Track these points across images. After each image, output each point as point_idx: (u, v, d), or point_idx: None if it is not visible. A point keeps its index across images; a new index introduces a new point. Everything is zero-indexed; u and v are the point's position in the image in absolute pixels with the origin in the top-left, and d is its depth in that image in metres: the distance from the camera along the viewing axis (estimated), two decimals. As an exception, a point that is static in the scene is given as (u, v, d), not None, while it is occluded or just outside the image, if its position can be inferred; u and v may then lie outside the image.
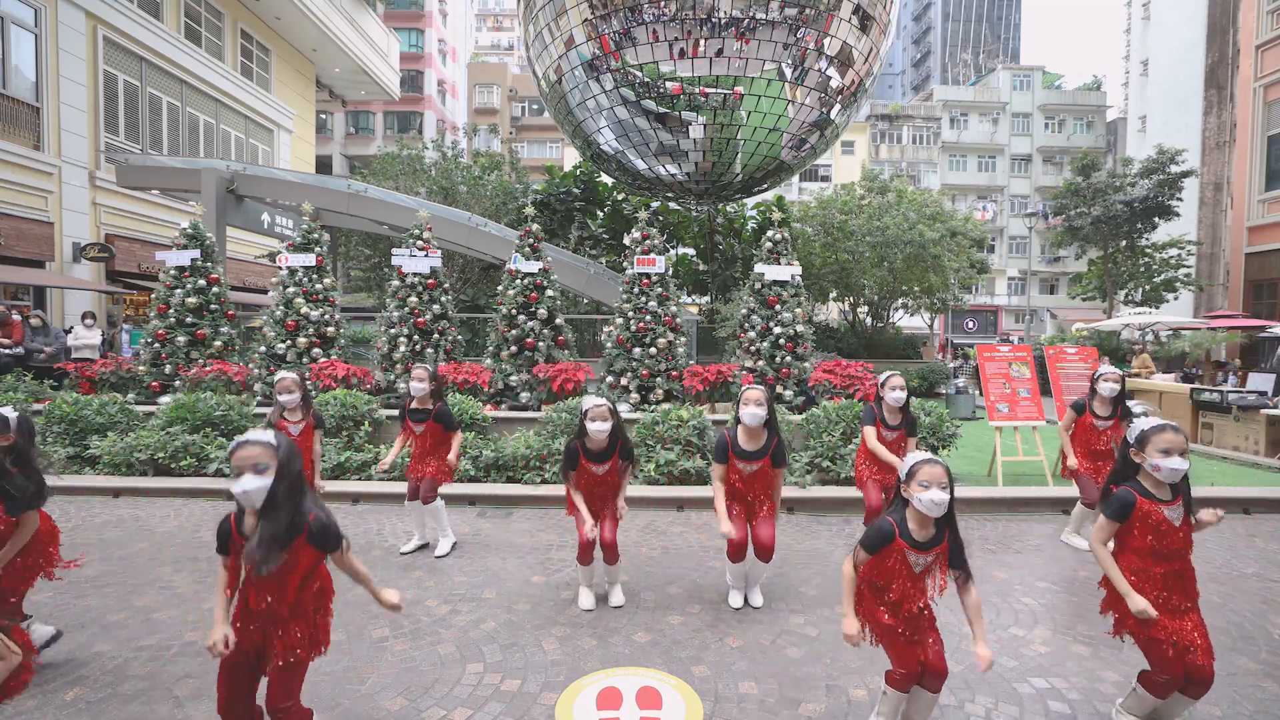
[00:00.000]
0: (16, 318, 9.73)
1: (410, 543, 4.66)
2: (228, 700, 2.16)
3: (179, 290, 8.39)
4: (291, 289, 8.25)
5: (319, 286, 8.38)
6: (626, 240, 8.52)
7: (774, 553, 3.60)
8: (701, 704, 2.74)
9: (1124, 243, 22.15)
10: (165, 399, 7.74)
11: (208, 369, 7.85)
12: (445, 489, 5.12)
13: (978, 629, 2.24)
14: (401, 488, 5.87)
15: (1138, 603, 2.34)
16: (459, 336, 8.78)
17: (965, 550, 2.30)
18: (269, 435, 2.12)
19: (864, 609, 2.41)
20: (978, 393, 10.74)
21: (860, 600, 2.42)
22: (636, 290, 8.17)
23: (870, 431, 4.25)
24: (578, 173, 16.64)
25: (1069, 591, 4.01)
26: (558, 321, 8.40)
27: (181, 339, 8.20)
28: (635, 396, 7.90)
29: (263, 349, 8.08)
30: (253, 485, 2.02)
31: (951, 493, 2.21)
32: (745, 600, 3.78)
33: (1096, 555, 2.49)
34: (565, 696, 2.79)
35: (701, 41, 9.82)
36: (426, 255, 8.48)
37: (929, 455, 2.27)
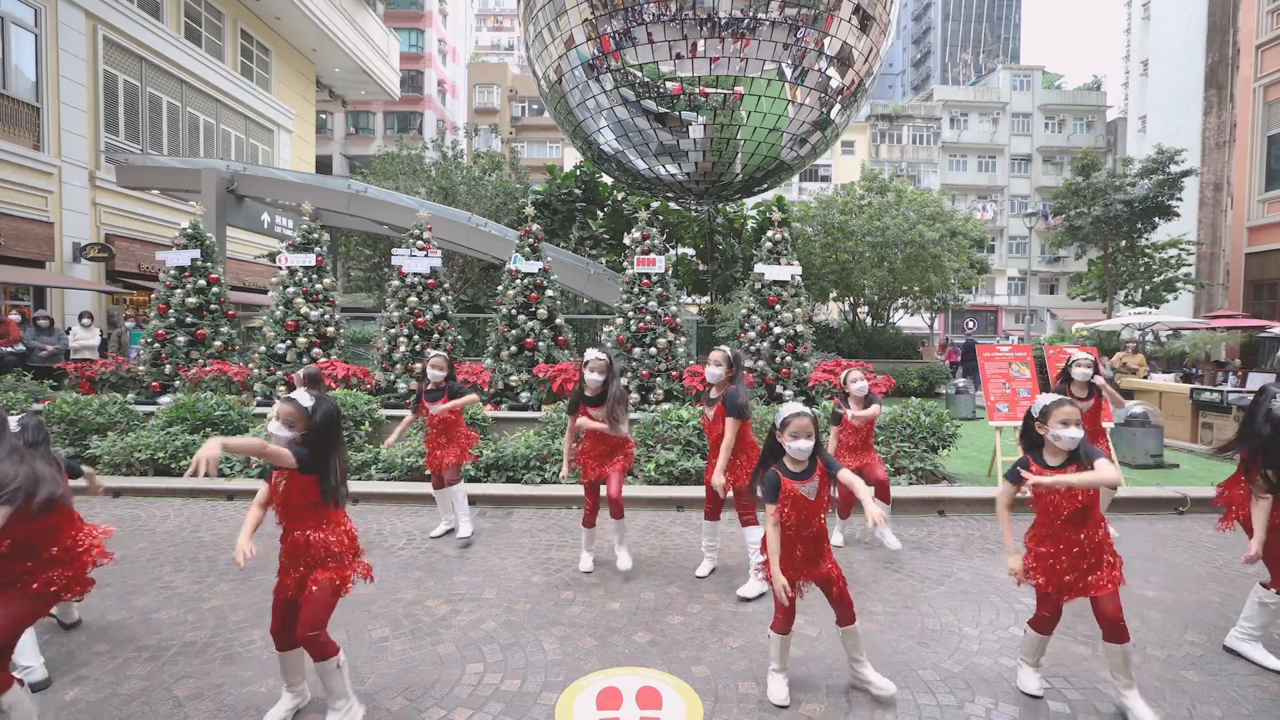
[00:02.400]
0: (14, 317, 9.73)
1: (439, 527, 4.96)
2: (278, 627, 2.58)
3: (179, 290, 8.40)
4: (291, 289, 8.25)
5: (319, 286, 8.39)
6: (626, 240, 8.52)
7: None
8: (701, 704, 2.74)
9: (1124, 243, 22.13)
10: (165, 399, 7.75)
11: (208, 369, 7.86)
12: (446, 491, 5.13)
13: (863, 499, 2.62)
14: (401, 488, 5.89)
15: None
16: (459, 336, 8.78)
17: (832, 463, 2.78)
18: (309, 401, 2.53)
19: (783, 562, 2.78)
20: (978, 392, 10.75)
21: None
22: (636, 290, 8.17)
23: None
24: (578, 173, 16.64)
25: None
26: (558, 321, 8.40)
27: (181, 339, 8.21)
28: (635, 396, 7.90)
29: (263, 349, 8.09)
30: (281, 434, 2.46)
31: (816, 439, 2.75)
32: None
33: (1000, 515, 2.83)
34: (565, 696, 2.79)
35: (701, 43, 9.82)
36: (426, 255, 8.48)
37: (801, 408, 2.75)
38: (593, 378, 4.05)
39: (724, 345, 4.21)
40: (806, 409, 2.76)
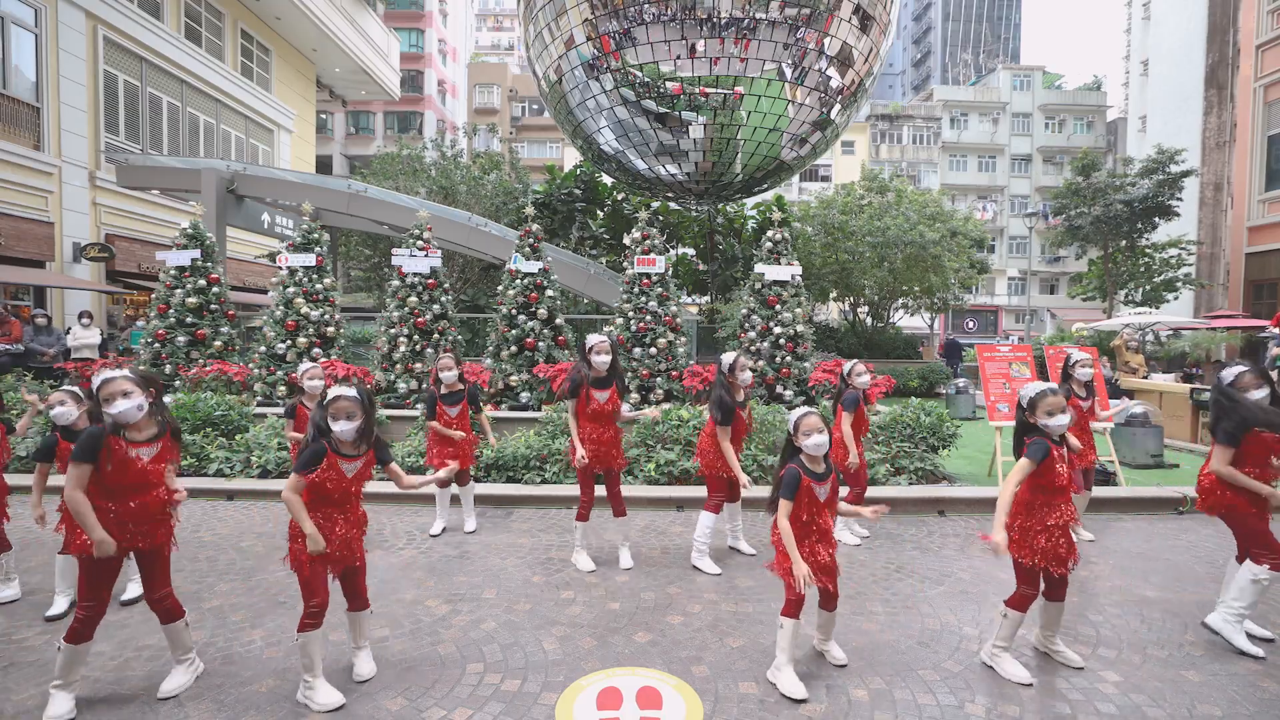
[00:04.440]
0: (14, 317, 9.72)
1: (437, 525, 5.03)
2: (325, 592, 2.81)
3: (179, 290, 8.39)
4: (291, 289, 8.25)
5: (319, 286, 8.39)
6: (626, 240, 8.52)
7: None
8: (701, 704, 2.74)
9: (1124, 243, 22.13)
10: (165, 399, 7.74)
11: (208, 369, 7.85)
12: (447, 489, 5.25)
13: (852, 510, 2.99)
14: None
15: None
16: (459, 336, 8.78)
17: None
18: (354, 390, 2.78)
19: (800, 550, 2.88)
20: (978, 392, 10.76)
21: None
22: (636, 290, 8.16)
23: (849, 418, 4.66)
24: (578, 173, 16.63)
25: (1069, 592, 4.00)
26: (558, 321, 8.40)
27: (181, 339, 8.20)
28: (635, 396, 7.90)
29: (263, 349, 8.08)
30: (347, 428, 2.73)
31: (829, 434, 2.91)
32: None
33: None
34: (565, 696, 2.79)
35: (701, 43, 9.81)
36: (426, 255, 8.48)
37: (808, 409, 2.92)
38: (600, 359, 4.22)
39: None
40: (814, 409, 2.94)
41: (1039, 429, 2.95)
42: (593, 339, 4.29)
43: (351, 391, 2.78)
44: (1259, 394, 3.26)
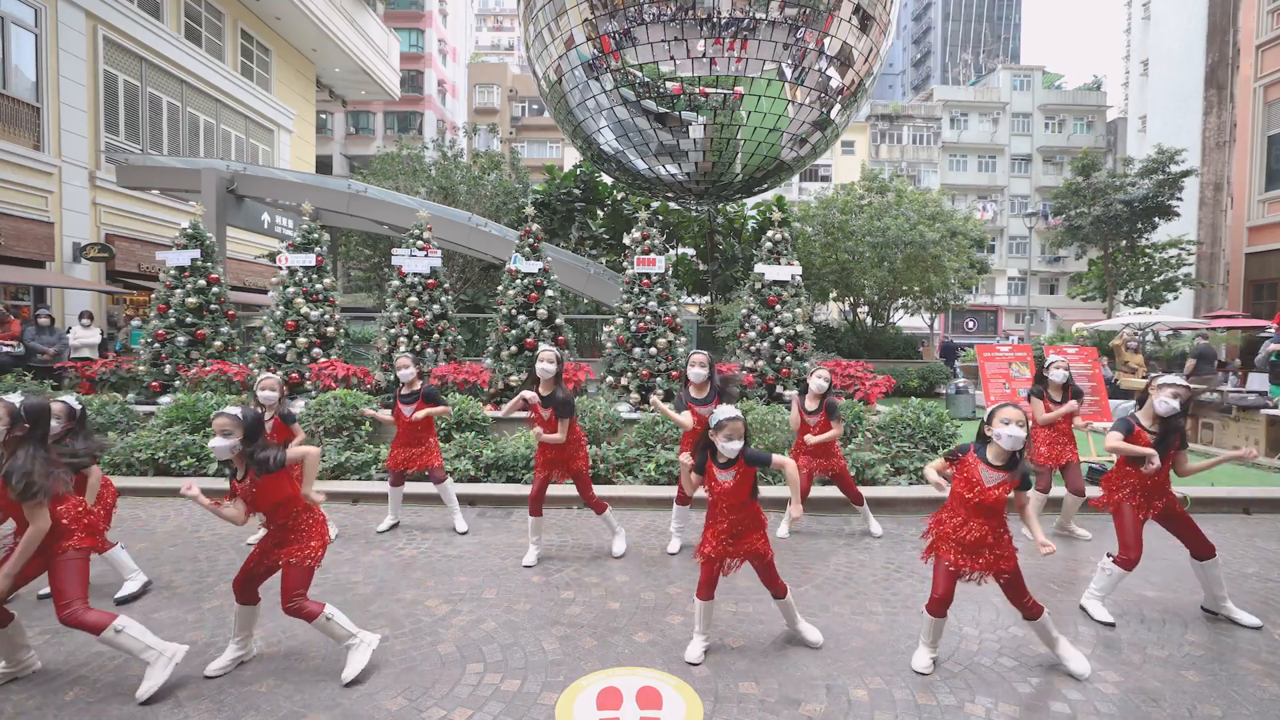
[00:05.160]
0: (14, 316, 9.71)
1: (384, 523, 5.09)
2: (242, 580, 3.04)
3: (179, 290, 8.39)
4: (291, 289, 8.25)
5: (319, 286, 8.38)
6: (626, 240, 8.51)
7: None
8: (701, 704, 2.74)
9: (1124, 243, 22.12)
10: (165, 399, 7.75)
11: (208, 369, 7.85)
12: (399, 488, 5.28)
13: (793, 496, 3.09)
14: (408, 488, 5.87)
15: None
16: (459, 336, 8.78)
17: (758, 457, 3.04)
18: (237, 410, 2.85)
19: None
20: (978, 392, 10.75)
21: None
22: (636, 290, 8.16)
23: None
24: (578, 173, 16.63)
25: (1069, 591, 4.01)
26: (558, 321, 8.39)
27: (181, 339, 8.20)
28: (635, 396, 7.90)
29: (263, 349, 8.08)
30: (218, 444, 2.83)
31: (746, 440, 3.02)
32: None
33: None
34: (565, 696, 2.79)
35: (701, 43, 9.81)
36: (426, 255, 8.48)
37: (735, 412, 3.01)
38: (544, 367, 4.17)
39: (705, 351, 4.54)
40: (740, 414, 3.04)
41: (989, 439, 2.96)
42: (542, 348, 4.25)
43: (233, 410, 2.84)
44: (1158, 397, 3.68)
